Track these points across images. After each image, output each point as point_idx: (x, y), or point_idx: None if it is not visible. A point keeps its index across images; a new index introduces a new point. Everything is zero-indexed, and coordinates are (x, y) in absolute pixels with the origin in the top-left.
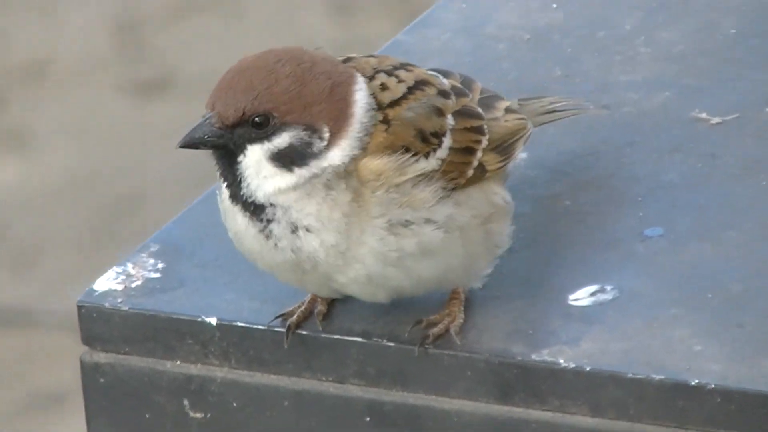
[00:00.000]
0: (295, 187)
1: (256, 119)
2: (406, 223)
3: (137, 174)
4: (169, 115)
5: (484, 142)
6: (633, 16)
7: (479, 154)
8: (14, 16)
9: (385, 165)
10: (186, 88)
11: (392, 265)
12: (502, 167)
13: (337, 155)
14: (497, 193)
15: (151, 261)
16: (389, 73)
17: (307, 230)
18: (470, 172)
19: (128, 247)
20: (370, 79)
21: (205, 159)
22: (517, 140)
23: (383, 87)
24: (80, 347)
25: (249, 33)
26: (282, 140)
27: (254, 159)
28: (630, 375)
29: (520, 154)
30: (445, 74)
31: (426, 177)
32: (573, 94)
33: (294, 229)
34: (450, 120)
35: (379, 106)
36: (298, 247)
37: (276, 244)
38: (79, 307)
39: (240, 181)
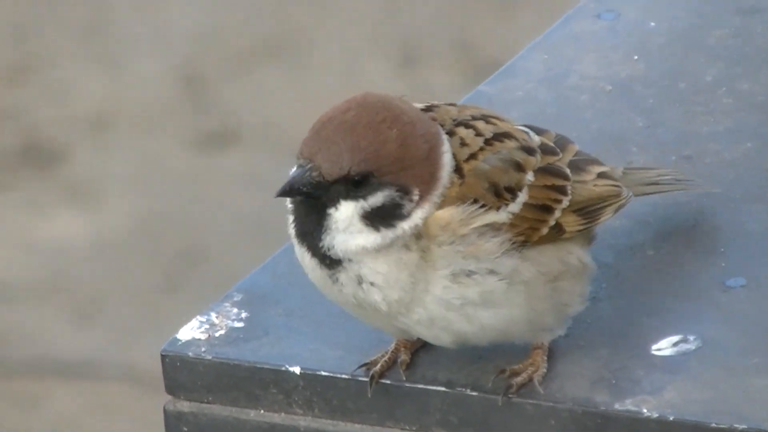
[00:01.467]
0: (378, 248)
1: (357, 178)
2: (470, 273)
3: (201, 226)
4: (233, 167)
5: (565, 203)
6: (714, 66)
7: (557, 213)
8: (79, 68)
9: (451, 216)
10: (250, 139)
11: (454, 311)
12: (583, 230)
13: (418, 215)
14: (572, 253)
15: (235, 310)
16: (467, 125)
17: (372, 284)
18: (545, 230)
19: (191, 299)
20: (450, 133)
21: (270, 209)
22: (605, 206)
23: (462, 143)
24: (144, 400)
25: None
26: (376, 200)
27: (346, 215)
28: (713, 425)
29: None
30: (539, 131)
31: (493, 228)
32: (655, 144)
33: (360, 282)
34: (529, 176)
35: (457, 166)
36: (362, 297)
37: (341, 290)
38: (163, 357)
39: (323, 233)
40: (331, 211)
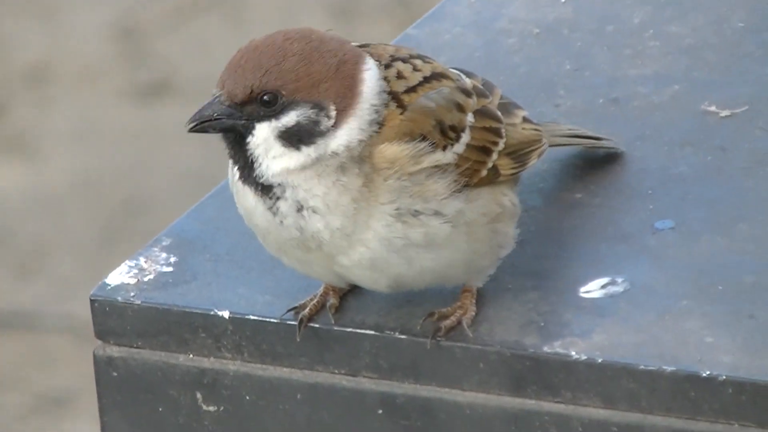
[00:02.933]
0: (303, 167)
1: (265, 97)
2: (416, 213)
3: (141, 177)
4: (171, 118)
5: (501, 145)
6: (642, 10)
7: (494, 156)
8: (15, 22)
9: (401, 152)
10: (188, 91)
11: (396, 251)
12: (514, 174)
13: (344, 135)
14: (506, 195)
15: (164, 255)
16: (405, 61)
17: (313, 211)
18: (484, 173)
19: (130, 251)
20: (386, 66)
21: (209, 160)
22: (532, 150)
23: (399, 75)
24: (84, 350)
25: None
26: (289, 118)
27: (262, 137)
28: (642, 367)
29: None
30: (468, 74)
31: (441, 169)
32: (583, 88)
33: (299, 209)
34: (470, 117)
35: (394, 95)
36: (302, 227)
37: (282, 222)
38: (92, 301)
39: (251, 162)
40: (249, 138)
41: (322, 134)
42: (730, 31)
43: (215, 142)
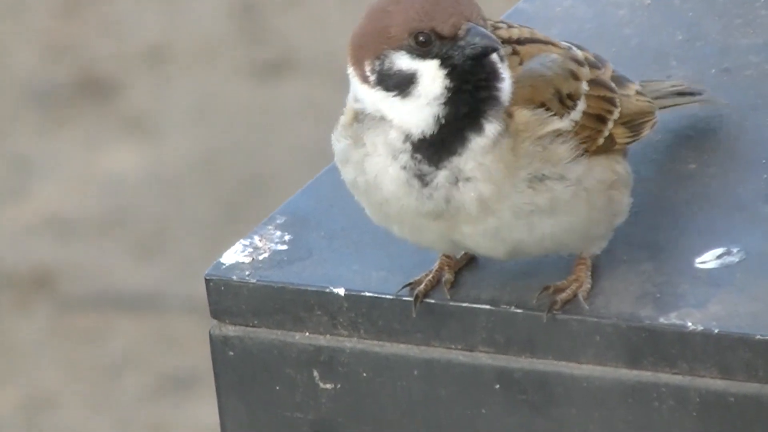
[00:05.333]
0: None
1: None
2: (543, 178)
3: (260, 156)
4: (290, 96)
5: (616, 114)
6: None
7: (610, 124)
8: (130, 3)
9: (531, 116)
10: (306, 69)
11: (522, 218)
12: (629, 143)
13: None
14: (620, 163)
15: (278, 233)
16: (496, 22)
17: (467, 180)
18: (601, 140)
19: (252, 230)
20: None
21: (328, 136)
22: (646, 121)
23: (494, 27)
24: (207, 331)
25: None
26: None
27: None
28: (758, 336)
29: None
30: (579, 48)
31: (561, 135)
32: (694, 58)
33: (455, 180)
34: (584, 85)
35: (503, 41)
36: (451, 197)
37: (431, 194)
38: (207, 281)
39: (485, 84)
40: (494, 56)
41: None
42: None
43: (335, 117)
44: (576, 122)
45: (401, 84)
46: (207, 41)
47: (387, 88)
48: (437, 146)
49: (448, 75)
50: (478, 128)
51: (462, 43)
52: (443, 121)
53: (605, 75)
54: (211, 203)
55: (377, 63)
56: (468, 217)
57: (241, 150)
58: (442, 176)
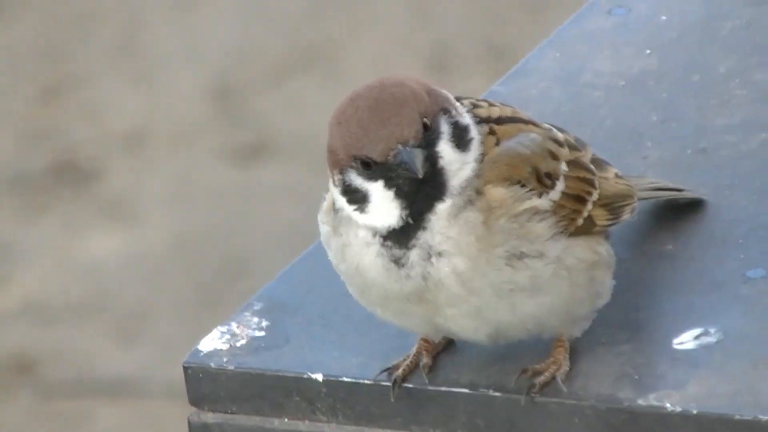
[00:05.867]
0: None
1: (426, 122)
2: (521, 255)
3: (240, 239)
4: (268, 179)
5: (595, 195)
6: (727, 58)
7: (590, 205)
8: (112, 86)
9: (506, 194)
10: (285, 152)
11: (503, 297)
12: (609, 225)
13: (477, 138)
14: (601, 244)
15: (256, 319)
16: (478, 100)
17: (440, 255)
18: (580, 221)
19: (232, 313)
20: (457, 99)
21: (308, 218)
22: (625, 204)
23: (474, 105)
24: (185, 415)
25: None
26: (445, 127)
27: (448, 153)
28: (738, 417)
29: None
30: (560, 129)
31: (539, 213)
32: (670, 139)
33: (428, 257)
34: (563, 166)
35: (483, 120)
36: (427, 275)
37: (408, 274)
38: (185, 368)
39: (441, 183)
40: (440, 161)
41: (470, 139)
42: None
43: (314, 199)
44: (555, 201)
45: (359, 198)
46: (185, 124)
47: (349, 200)
48: (404, 231)
49: (396, 191)
50: (436, 207)
51: (395, 167)
52: (404, 216)
53: (585, 157)
54: (191, 287)
55: (339, 176)
56: (449, 296)
57: (220, 233)
58: (414, 254)
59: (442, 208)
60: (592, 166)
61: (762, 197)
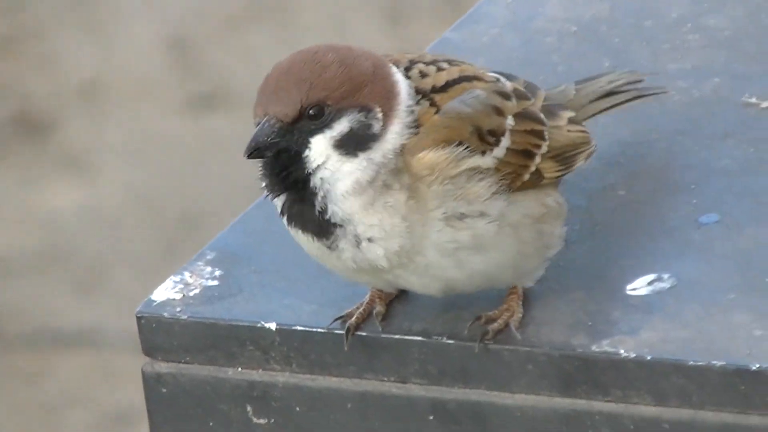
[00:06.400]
0: (365, 186)
1: (312, 111)
2: (461, 216)
3: (197, 190)
4: (224, 129)
5: (544, 148)
6: (679, 4)
7: (538, 159)
8: (68, 38)
9: (439, 157)
10: (241, 101)
11: (448, 256)
12: (560, 176)
13: (393, 137)
14: (550, 195)
15: (209, 269)
16: (426, 63)
17: (370, 241)
18: (527, 176)
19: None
20: (407, 69)
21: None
22: (578, 153)
23: (422, 74)
24: (142, 365)
25: (302, 44)
26: (342, 126)
27: (320, 149)
28: (691, 363)
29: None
30: (509, 77)
31: (480, 172)
32: None
33: (357, 243)
34: (510, 121)
35: (422, 93)
36: (361, 258)
37: (339, 256)
38: (138, 318)
39: (307, 183)
40: (306, 153)
41: (375, 137)
42: None
43: None
44: (499, 159)
45: None
46: (141, 76)
47: None
48: (306, 216)
49: (263, 166)
50: (341, 192)
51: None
52: (272, 198)
53: (535, 106)
54: (148, 239)
55: None
56: (393, 266)
57: (178, 185)
58: (342, 242)
59: (355, 185)
60: (542, 116)
61: (714, 143)
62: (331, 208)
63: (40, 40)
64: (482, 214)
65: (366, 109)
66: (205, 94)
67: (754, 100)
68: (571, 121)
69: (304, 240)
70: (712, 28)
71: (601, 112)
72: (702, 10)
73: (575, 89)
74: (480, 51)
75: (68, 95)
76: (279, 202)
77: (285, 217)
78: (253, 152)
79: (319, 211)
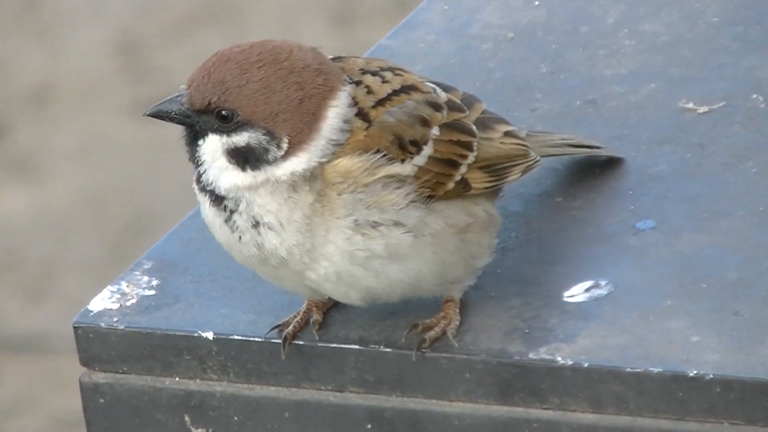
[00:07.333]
0: (249, 187)
1: (223, 112)
2: (374, 224)
3: (146, 194)
4: (174, 133)
5: (471, 158)
6: (615, 9)
7: (463, 169)
8: (13, 43)
9: (353, 165)
10: None
11: (360, 264)
12: (490, 188)
13: (291, 165)
14: (479, 205)
15: (145, 278)
16: (374, 74)
17: (269, 228)
18: (450, 185)
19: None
20: (357, 83)
21: None
22: (512, 165)
23: (368, 91)
24: (79, 375)
25: None
26: (240, 138)
27: (211, 148)
28: (628, 369)
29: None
30: (447, 89)
31: (398, 180)
32: (559, 90)
33: (255, 224)
34: (435, 131)
35: (360, 111)
36: (259, 243)
37: (240, 237)
38: (75, 328)
39: (199, 166)
40: (200, 141)
41: (269, 162)
42: (705, 26)
43: None
44: (419, 167)
45: None
46: (90, 80)
47: None
48: (214, 192)
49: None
50: (237, 176)
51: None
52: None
53: (469, 118)
54: (98, 243)
55: None
56: (296, 263)
57: (127, 189)
58: (239, 220)
59: (235, 187)
60: (473, 127)
61: (650, 148)
62: (219, 191)
63: None
64: (397, 223)
65: (270, 135)
66: (155, 98)
67: (690, 105)
68: (508, 134)
69: (210, 216)
70: (648, 33)
71: (547, 156)
72: (638, 15)
73: (526, 134)
74: (416, 58)
75: (17, 100)
76: (193, 168)
77: (194, 180)
78: (153, 114)
79: (208, 187)
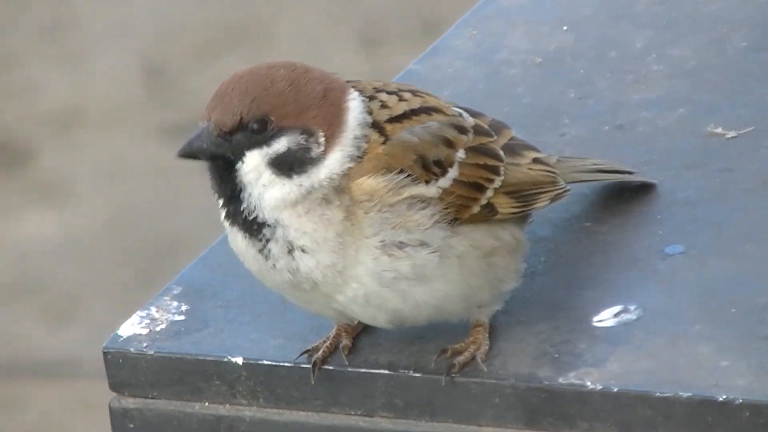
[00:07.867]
0: (294, 202)
1: (254, 125)
2: (401, 245)
3: (172, 218)
4: None
5: (497, 183)
6: (643, 34)
7: (489, 193)
8: (43, 66)
9: (378, 184)
10: None
11: (387, 285)
12: (517, 213)
13: (332, 163)
14: (506, 229)
15: (175, 304)
16: (390, 93)
17: (303, 251)
18: (476, 209)
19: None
20: (370, 98)
21: None
22: (540, 192)
23: (383, 105)
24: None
25: None
26: (280, 145)
27: (253, 165)
28: (657, 394)
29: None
30: (474, 114)
31: (422, 201)
32: (587, 115)
33: (290, 250)
34: (461, 153)
35: (376, 124)
36: (295, 269)
37: (274, 265)
38: (105, 354)
39: (239, 193)
40: (239, 165)
41: (313, 161)
42: (732, 51)
43: None
44: (444, 189)
45: None
46: (116, 104)
47: None
48: (248, 220)
49: (210, 170)
50: (275, 198)
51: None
52: (231, 195)
53: (496, 143)
54: (123, 267)
55: None
56: (327, 286)
57: (153, 213)
58: (275, 247)
59: (282, 203)
60: (500, 152)
61: (679, 173)
62: (261, 215)
63: (15, 68)
64: (423, 244)
65: (307, 132)
66: (179, 122)
67: (719, 130)
68: (537, 161)
69: (242, 246)
70: (676, 58)
71: (578, 182)
72: (665, 40)
73: (557, 160)
74: (445, 83)
75: (43, 124)
76: (221, 203)
77: (223, 216)
78: (185, 154)
79: (249, 215)
